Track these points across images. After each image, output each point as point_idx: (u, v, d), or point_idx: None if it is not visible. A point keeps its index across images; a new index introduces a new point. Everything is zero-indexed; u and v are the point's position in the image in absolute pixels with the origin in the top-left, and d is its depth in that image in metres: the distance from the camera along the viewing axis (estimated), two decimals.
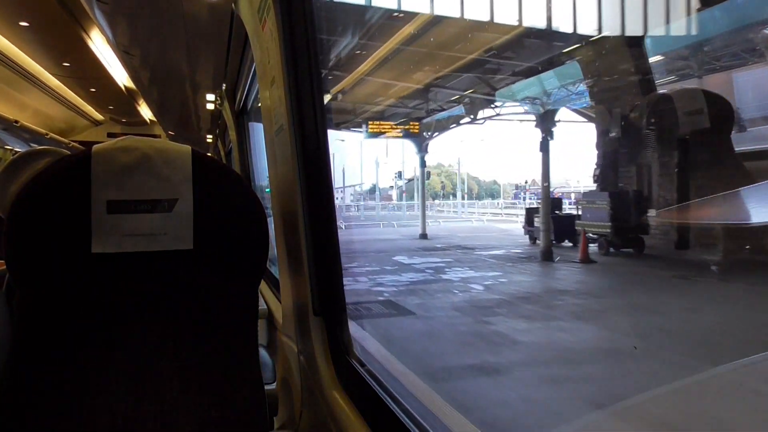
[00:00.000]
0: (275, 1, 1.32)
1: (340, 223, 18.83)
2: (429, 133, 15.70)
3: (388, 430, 1.00)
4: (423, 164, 16.04)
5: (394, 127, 14.94)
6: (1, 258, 0.93)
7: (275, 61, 1.35)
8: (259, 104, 2.27)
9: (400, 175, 31.36)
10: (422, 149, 15.81)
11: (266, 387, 1.08)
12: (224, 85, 3.72)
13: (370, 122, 14.53)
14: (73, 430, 0.92)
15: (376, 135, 14.91)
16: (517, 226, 18.78)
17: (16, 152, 4.82)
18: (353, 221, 22.04)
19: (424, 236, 14.82)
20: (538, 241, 9.96)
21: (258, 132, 3.62)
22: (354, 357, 1.26)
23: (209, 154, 1.06)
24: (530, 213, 11.07)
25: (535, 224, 10.15)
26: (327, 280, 1.28)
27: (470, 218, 23.65)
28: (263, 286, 2.31)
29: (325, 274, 1.28)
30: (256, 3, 1.51)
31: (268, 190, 3.78)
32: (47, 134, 9.45)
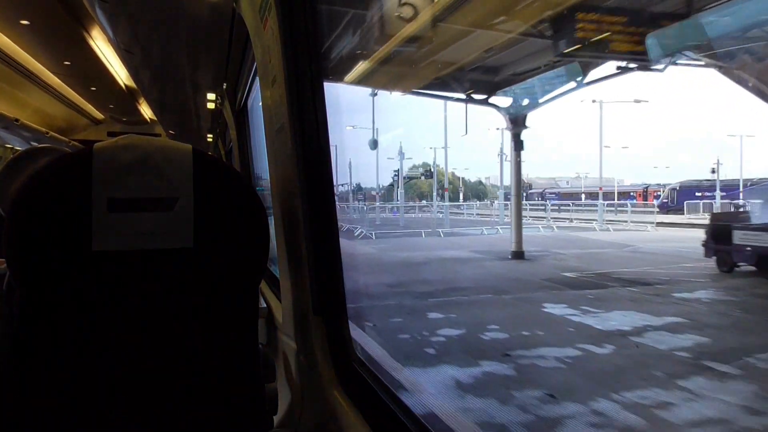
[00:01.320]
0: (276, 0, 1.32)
1: (370, 232, 15.92)
2: (531, 99, 10.25)
3: (387, 429, 1.00)
4: (519, 146, 10.70)
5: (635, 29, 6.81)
6: (2, 256, 0.93)
7: (276, 61, 1.35)
8: (260, 103, 2.27)
9: (399, 173, 31.04)
10: (518, 123, 10.52)
11: (266, 386, 1.08)
12: (225, 84, 3.72)
13: (580, 15, 6.59)
14: (74, 428, 0.92)
15: (597, 53, 7.20)
16: (599, 235, 15.32)
17: (17, 150, 4.82)
18: (374, 228, 17.44)
19: (519, 255, 10.41)
20: (737, 268, 7.07)
21: (258, 131, 3.62)
22: (354, 357, 1.26)
23: (210, 153, 1.06)
24: (722, 223, 7.53)
25: (737, 241, 6.87)
26: (327, 280, 1.28)
27: (534, 225, 19.22)
28: (263, 285, 2.31)
29: (326, 273, 1.28)
30: (258, 2, 1.50)
31: (259, 188, 3.80)
32: (47, 133, 9.43)
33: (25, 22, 5.44)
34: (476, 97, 10.85)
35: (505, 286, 7.79)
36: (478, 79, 10.19)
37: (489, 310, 6.30)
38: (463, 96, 10.92)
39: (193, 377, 0.99)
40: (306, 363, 1.36)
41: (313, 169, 1.29)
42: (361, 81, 8.94)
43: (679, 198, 23.95)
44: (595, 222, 19.34)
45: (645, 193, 31.96)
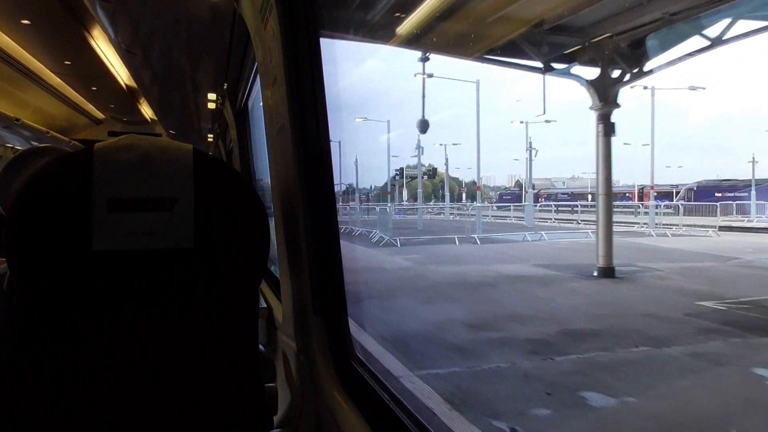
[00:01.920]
0: (277, 0, 1.32)
1: (393, 238, 13.80)
2: (633, 67, 7.88)
3: (387, 429, 1.00)
4: (609, 130, 8.38)
5: None
6: (2, 256, 0.93)
7: (277, 61, 1.35)
8: (261, 103, 2.28)
9: (401, 172, 31.00)
10: (608, 100, 8.29)
11: (266, 386, 1.08)
12: (225, 84, 3.72)
13: None
14: (74, 427, 0.92)
15: None
16: (665, 242, 12.47)
17: (18, 150, 4.82)
18: (393, 233, 14.70)
19: (609, 272, 8.19)
20: None
21: (259, 131, 3.62)
22: (354, 357, 1.26)
23: (210, 153, 1.06)
24: None
25: None
26: (327, 280, 1.29)
27: (566, 228, 16.54)
28: (263, 285, 2.32)
29: (326, 273, 1.28)
30: (258, 2, 1.51)
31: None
32: (48, 132, 9.43)
33: (25, 21, 5.44)
34: (556, 66, 8.58)
35: (647, 329, 5.21)
36: (559, 43, 7.97)
37: (678, 385, 3.88)
38: (540, 65, 8.64)
39: (193, 377, 0.99)
40: (306, 363, 1.36)
41: (313, 169, 1.29)
42: (410, 41, 7.11)
43: (696, 198, 23.50)
44: (637, 225, 18.09)
45: (641, 193, 31.89)
